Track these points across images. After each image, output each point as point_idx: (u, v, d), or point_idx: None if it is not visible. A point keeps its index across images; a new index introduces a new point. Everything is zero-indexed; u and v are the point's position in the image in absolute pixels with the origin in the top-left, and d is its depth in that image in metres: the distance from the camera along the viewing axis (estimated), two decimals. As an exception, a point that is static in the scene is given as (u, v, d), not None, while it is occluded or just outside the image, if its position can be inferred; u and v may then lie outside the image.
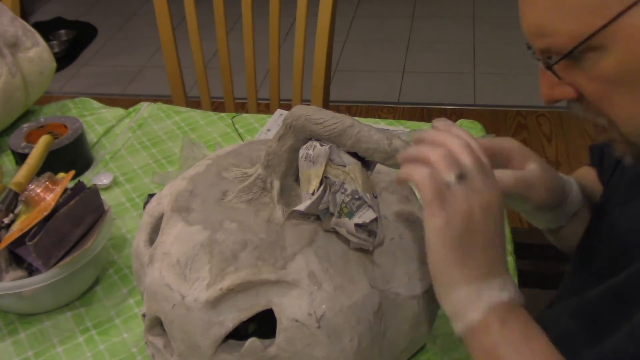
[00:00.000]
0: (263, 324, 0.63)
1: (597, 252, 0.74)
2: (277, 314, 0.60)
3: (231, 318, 0.60)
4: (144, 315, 0.68)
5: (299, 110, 0.63)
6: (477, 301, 0.56)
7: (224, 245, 0.62)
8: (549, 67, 0.58)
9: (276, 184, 0.66)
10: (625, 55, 0.53)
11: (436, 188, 0.56)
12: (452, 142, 0.59)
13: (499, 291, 0.57)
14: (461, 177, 0.57)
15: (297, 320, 0.60)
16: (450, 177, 0.56)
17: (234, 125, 1.20)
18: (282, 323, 0.60)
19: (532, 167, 0.72)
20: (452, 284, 0.57)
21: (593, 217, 0.78)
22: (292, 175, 0.67)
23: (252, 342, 0.61)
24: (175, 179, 0.73)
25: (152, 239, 0.69)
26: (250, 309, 0.60)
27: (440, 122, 0.62)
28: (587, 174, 0.84)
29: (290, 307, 0.60)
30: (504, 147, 0.72)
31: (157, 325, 0.67)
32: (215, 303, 0.60)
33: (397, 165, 0.61)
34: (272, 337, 0.61)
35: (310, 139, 0.64)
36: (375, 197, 0.63)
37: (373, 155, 0.62)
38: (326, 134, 0.62)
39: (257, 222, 0.64)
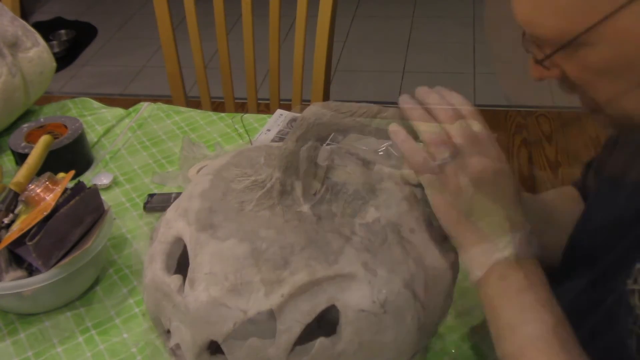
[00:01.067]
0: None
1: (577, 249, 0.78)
2: (341, 309, 0.60)
3: (297, 323, 0.59)
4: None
5: (319, 107, 0.63)
6: (480, 261, 0.63)
7: (268, 252, 0.61)
8: (538, 62, 0.60)
9: (298, 185, 0.65)
10: (611, 53, 0.55)
11: (430, 172, 0.63)
12: (444, 116, 0.64)
13: (502, 250, 0.62)
14: (452, 156, 0.62)
15: (363, 310, 0.60)
16: (441, 160, 0.62)
17: (234, 125, 1.20)
18: (347, 316, 0.60)
19: None
20: (460, 247, 0.64)
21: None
22: (310, 175, 0.66)
23: (321, 341, 0.60)
24: (179, 200, 0.70)
25: (168, 266, 0.67)
26: (313, 309, 0.59)
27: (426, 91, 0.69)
28: (567, 192, 0.86)
29: (353, 299, 0.60)
30: None
31: (204, 351, 0.63)
32: (278, 311, 0.59)
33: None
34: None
35: (317, 140, 0.64)
36: (377, 197, 0.63)
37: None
38: (357, 124, 0.64)
39: (290, 225, 0.63)
